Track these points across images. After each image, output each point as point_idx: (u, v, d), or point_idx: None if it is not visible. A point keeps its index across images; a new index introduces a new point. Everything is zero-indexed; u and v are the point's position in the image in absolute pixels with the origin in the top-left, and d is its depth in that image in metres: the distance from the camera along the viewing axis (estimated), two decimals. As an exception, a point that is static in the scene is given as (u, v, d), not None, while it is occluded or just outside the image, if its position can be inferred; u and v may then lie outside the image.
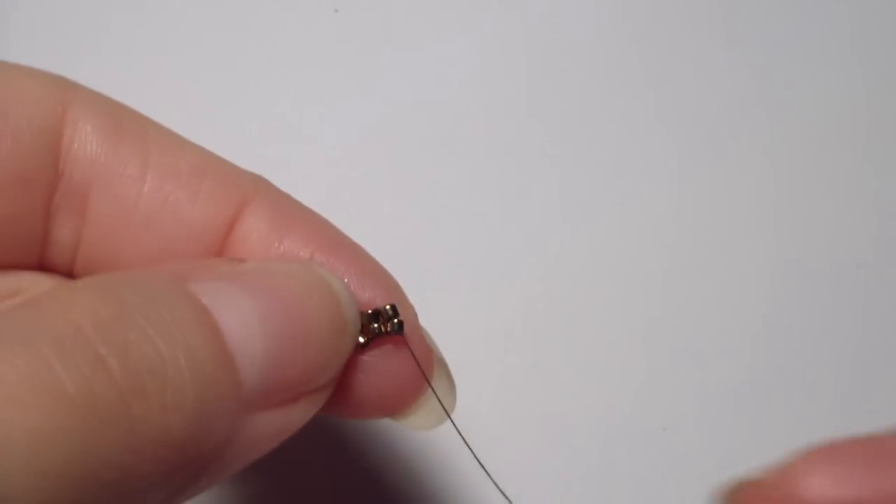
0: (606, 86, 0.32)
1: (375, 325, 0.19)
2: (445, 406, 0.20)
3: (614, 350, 0.30)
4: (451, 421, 0.21)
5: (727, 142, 0.32)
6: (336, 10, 0.33)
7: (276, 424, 0.17)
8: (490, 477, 0.21)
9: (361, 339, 0.19)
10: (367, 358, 0.19)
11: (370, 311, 0.19)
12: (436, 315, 0.30)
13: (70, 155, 0.18)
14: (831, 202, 0.32)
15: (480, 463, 0.21)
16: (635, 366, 0.30)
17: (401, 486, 0.28)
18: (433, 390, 0.20)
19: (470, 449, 0.21)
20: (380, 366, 0.19)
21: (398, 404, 0.20)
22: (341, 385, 0.19)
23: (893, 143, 0.32)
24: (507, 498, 0.21)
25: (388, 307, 0.19)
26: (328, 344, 0.17)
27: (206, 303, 0.16)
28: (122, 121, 0.19)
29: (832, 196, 0.32)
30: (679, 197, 0.32)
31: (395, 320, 0.19)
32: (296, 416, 0.17)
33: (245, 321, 0.16)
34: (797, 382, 0.30)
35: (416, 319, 0.20)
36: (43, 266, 0.19)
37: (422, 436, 0.28)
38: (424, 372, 0.20)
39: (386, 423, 0.28)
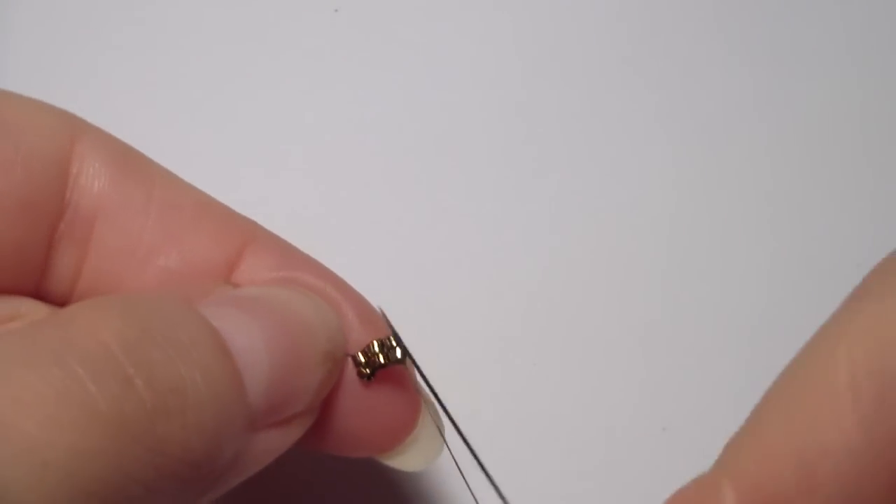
0: (605, 87, 0.32)
1: (379, 358, 0.19)
2: (433, 445, 0.21)
3: (614, 350, 0.30)
4: (452, 444, 0.21)
5: (725, 142, 0.32)
6: (336, 10, 0.33)
7: (272, 444, 0.18)
8: (489, 476, 0.21)
9: (367, 371, 0.19)
10: (366, 391, 0.20)
11: (371, 344, 0.20)
12: (436, 315, 0.30)
13: (77, 186, 0.19)
14: (830, 202, 0.32)
15: (480, 462, 0.21)
16: (635, 366, 0.30)
17: (395, 486, 0.28)
18: (438, 406, 0.21)
19: (471, 448, 0.21)
20: (375, 400, 0.20)
21: (389, 440, 0.20)
22: (336, 419, 0.20)
23: (893, 142, 0.32)
24: (503, 499, 0.21)
25: (388, 338, 0.20)
26: (321, 368, 0.18)
27: (215, 325, 0.17)
28: (128, 158, 0.20)
29: (831, 195, 0.32)
30: (678, 197, 0.32)
31: (397, 349, 0.19)
32: (289, 436, 0.18)
33: (251, 344, 0.17)
34: (797, 382, 0.30)
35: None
36: (38, 293, 0.20)
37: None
38: (417, 406, 0.20)
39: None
